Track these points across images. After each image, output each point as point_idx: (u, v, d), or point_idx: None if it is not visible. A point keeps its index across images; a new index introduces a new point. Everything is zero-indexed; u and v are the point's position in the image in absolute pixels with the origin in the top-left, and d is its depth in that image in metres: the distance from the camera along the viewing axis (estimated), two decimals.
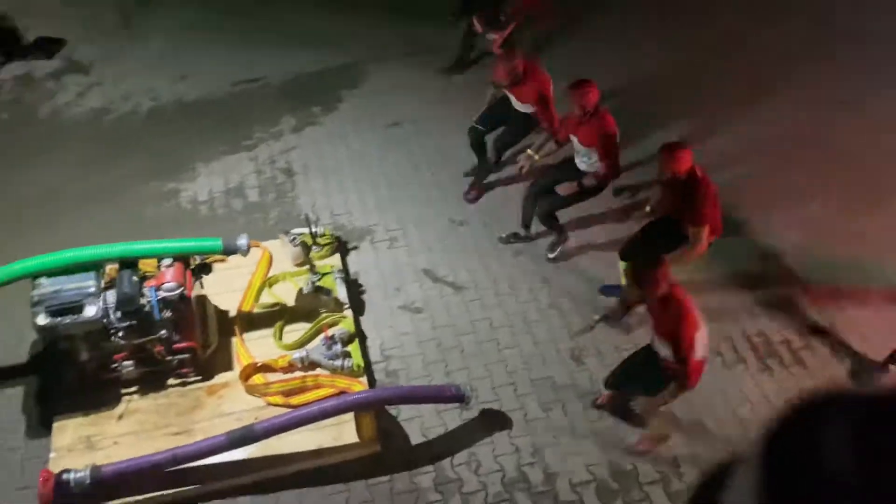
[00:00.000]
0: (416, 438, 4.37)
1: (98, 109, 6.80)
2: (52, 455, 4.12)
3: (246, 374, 4.43)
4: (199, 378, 4.50)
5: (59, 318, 3.96)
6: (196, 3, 8.05)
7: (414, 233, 5.65)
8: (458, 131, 5.94)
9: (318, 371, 4.50)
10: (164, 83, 7.09)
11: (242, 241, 4.35)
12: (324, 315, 4.77)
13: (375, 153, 6.37)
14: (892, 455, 0.54)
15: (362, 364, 4.55)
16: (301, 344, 4.65)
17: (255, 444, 4.00)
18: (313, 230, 5.14)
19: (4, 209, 5.71)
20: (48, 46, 7.44)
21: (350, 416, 4.23)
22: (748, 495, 0.60)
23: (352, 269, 5.35)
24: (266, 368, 4.50)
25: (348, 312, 4.84)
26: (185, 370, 4.44)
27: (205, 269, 4.50)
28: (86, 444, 4.17)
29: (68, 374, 4.31)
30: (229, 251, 4.36)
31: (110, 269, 4.29)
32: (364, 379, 4.49)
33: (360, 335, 4.80)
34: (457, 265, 5.39)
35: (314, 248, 5.18)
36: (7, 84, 7.05)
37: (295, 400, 4.35)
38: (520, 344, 4.86)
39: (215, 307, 4.83)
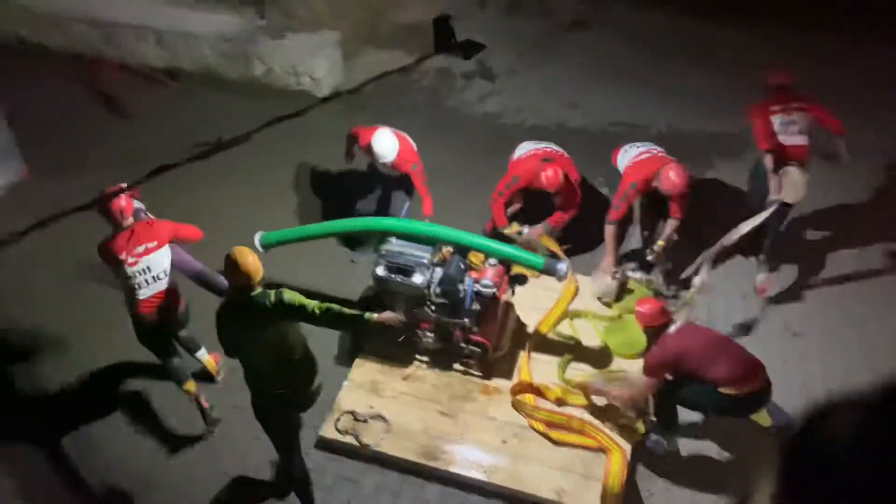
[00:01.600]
0: None
1: (491, 114, 7.54)
2: (345, 383, 4.74)
3: (518, 390, 4.56)
4: (480, 374, 4.76)
5: (392, 275, 4.51)
6: (601, 49, 8.43)
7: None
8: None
9: (588, 417, 4.44)
10: (554, 106, 7.58)
11: (562, 266, 4.47)
12: (616, 372, 4.69)
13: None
14: None
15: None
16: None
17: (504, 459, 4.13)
18: (647, 279, 5.10)
19: None
20: (470, 49, 8.46)
21: (600, 474, 4.11)
22: None
23: None
24: (538, 392, 4.58)
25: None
26: (471, 361, 4.74)
27: (520, 279, 4.73)
28: (371, 387, 4.71)
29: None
30: (547, 271, 4.52)
31: (445, 250, 4.75)
32: (628, 448, 4.30)
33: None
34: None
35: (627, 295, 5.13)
36: (430, 74, 8.19)
37: (555, 434, 4.35)
38: None
39: (517, 317, 5.05)
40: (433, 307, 4.56)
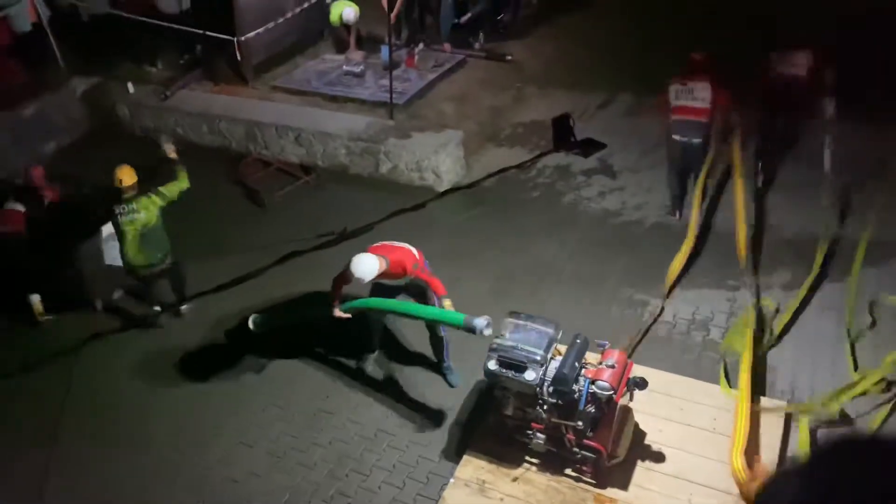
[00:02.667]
0: None
1: (610, 211, 7.47)
2: (451, 480, 4.62)
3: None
4: (593, 482, 4.50)
5: (504, 370, 4.43)
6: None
7: None
8: None
9: None
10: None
11: (480, 322, 4.36)
12: None
13: (871, 348, 5.52)
14: None
15: None
16: None
17: None
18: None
19: (504, 263, 6.73)
20: (589, 148, 8.52)
21: None
22: None
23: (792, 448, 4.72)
24: None
25: None
26: (584, 468, 4.50)
27: (640, 384, 4.50)
28: (479, 486, 4.56)
29: (493, 419, 4.80)
30: (467, 328, 4.43)
31: (560, 347, 4.63)
32: None
33: None
34: None
35: None
36: (548, 170, 8.28)
37: None
38: None
39: (636, 423, 4.79)
40: (545, 406, 4.42)
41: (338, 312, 5.18)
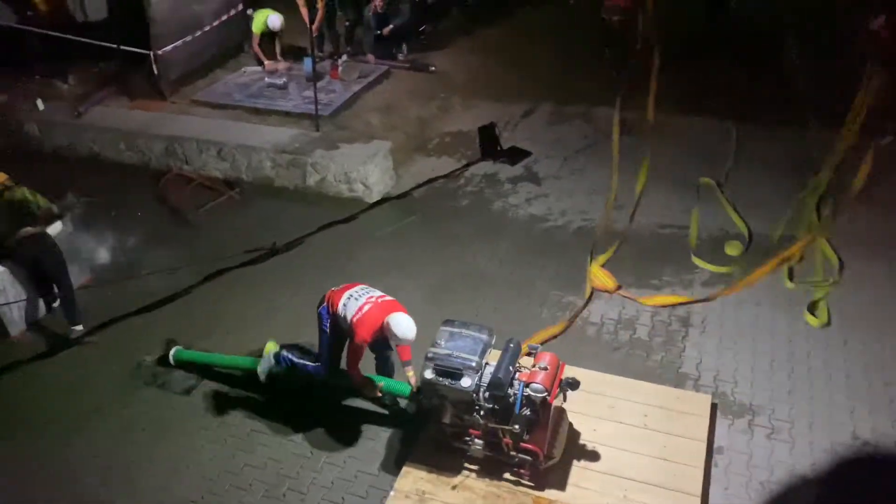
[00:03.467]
0: None
1: (537, 217, 7.61)
2: (391, 493, 4.59)
3: None
4: (532, 485, 4.56)
5: (440, 378, 4.45)
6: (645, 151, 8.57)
7: (805, 434, 4.94)
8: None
9: None
10: (599, 208, 7.62)
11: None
12: None
13: (786, 331, 5.83)
14: None
15: None
16: None
17: None
18: None
19: (437, 271, 6.77)
20: (516, 156, 8.68)
21: None
22: None
23: (719, 441, 4.92)
24: None
25: None
26: (522, 471, 4.55)
27: (573, 384, 4.59)
28: (419, 497, 4.55)
29: (431, 428, 4.80)
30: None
31: (494, 352, 4.67)
32: None
33: None
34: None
35: None
36: (476, 179, 8.38)
37: None
38: None
39: (570, 424, 4.88)
40: (482, 412, 4.45)
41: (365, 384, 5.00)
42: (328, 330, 4.93)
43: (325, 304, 4.94)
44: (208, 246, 7.27)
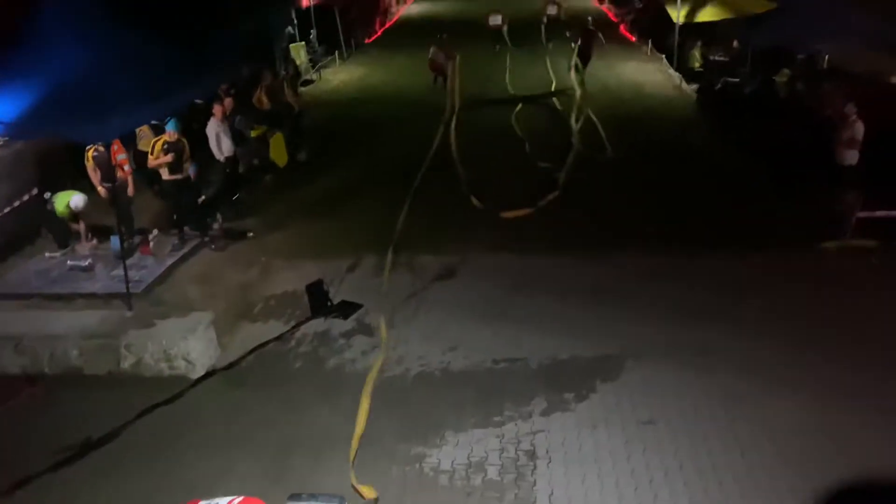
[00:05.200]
0: None
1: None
2: None
3: None
4: None
5: None
6: (471, 289, 8.99)
7: None
8: (716, 435, 5.45)
9: None
10: (436, 352, 7.72)
11: None
12: None
13: (623, 450, 6.09)
14: None
15: None
16: None
17: None
18: None
19: (277, 441, 6.37)
20: (348, 310, 8.69)
21: None
22: None
23: None
24: None
25: None
26: None
27: None
28: None
29: None
30: None
31: None
32: None
33: None
34: None
35: None
36: (308, 338, 8.23)
37: None
38: None
39: None
40: None
41: None
42: None
43: None
44: (10, 455, 6.35)
